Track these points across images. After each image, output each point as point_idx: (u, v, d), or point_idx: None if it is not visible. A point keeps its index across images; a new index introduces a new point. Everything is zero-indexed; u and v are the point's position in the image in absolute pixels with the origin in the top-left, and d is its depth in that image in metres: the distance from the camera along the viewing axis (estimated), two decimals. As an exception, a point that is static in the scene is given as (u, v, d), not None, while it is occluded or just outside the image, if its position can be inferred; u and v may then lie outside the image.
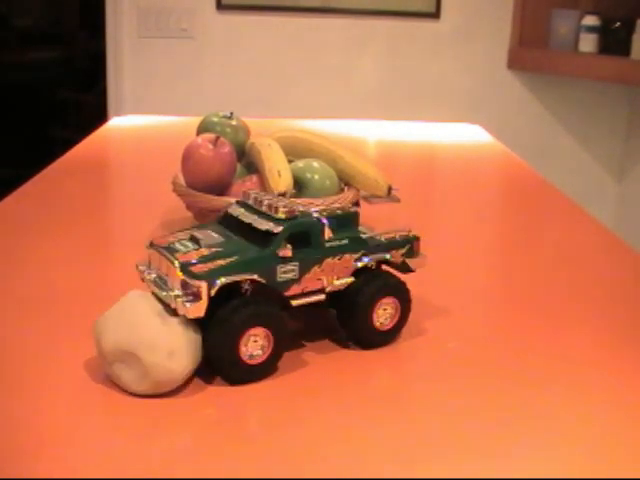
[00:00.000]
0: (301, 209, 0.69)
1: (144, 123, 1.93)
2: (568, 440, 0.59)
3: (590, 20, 2.76)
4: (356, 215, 0.73)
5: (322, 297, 0.69)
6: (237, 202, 0.73)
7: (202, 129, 1.11)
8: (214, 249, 0.66)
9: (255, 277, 0.64)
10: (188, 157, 1.02)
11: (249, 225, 0.68)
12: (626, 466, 0.56)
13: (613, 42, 2.72)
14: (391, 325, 0.73)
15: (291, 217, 0.67)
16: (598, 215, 1.27)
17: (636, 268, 1.00)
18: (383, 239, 0.73)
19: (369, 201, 1.24)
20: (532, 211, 1.26)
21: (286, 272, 0.66)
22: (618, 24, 2.72)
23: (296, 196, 0.99)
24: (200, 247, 0.66)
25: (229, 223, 0.71)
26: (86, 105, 4.25)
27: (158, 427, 0.58)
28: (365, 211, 1.18)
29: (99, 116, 2.84)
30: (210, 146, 1.01)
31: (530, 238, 1.11)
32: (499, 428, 0.60)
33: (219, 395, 0.64)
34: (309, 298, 0.68)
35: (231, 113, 1.13)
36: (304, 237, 0.67)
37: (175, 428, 0.58)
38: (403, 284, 0.73)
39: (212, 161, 1.00)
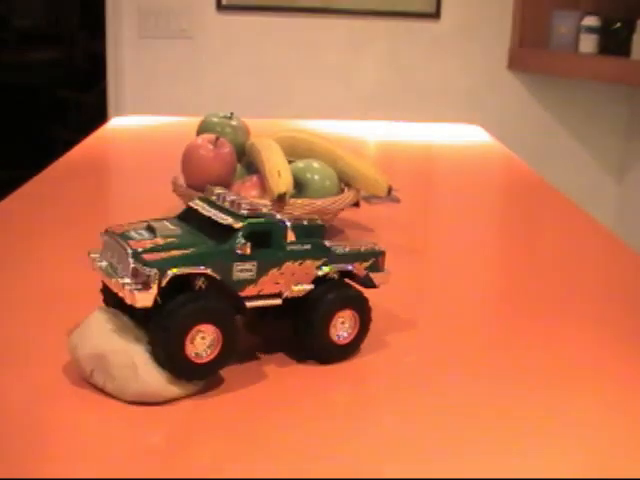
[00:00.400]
0: (265, 210, 0.67)
1: (144, 123, 1.93)
2: (560, 445, 0.59)
3: (590, 21, 2.76)
4: (322, 228, 0.71)
5: (278, 302, 0.66)
6: (199, 198, 0.71)
7: (202, 129, 1.11)
8: (170, 239, 0.63)
9: (209, 272, 0.61)
10: (188, 157, 1.02)
11: (209, 219, 0.66)
12: (625, 466, 0.56)
13: (613, 43, 2.72)
14: (350, 339, 0.69)
15: (253, 215, 0.65)
16: (598, 216, 1.27)
17: (636, 269, 1.00)
18: (347, 250, 0.70)
19: (369, 201, 1.24)
20: (532, 212, 1.26)
21: (243, 271, 0.63)
22: (618, 25, 2.72)
23: (296, 196, 0.99)
24: (156, 236, 0.64)
25: (189, 218, 0.69)
26: (86, 105, 4.25)
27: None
28: (365, 211, 1.18)
29: (99, 116, 2.84)
30: (210, 146, 1.01)
31: (529, 238, 1.11)
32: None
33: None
34: (265, 301, 0.65)
35: (231, 113, 1.13)
36: (265, 238, 0.65)
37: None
38: (363, 296, 0.70)
39: (212, 161, 1.00)
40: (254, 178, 1.03)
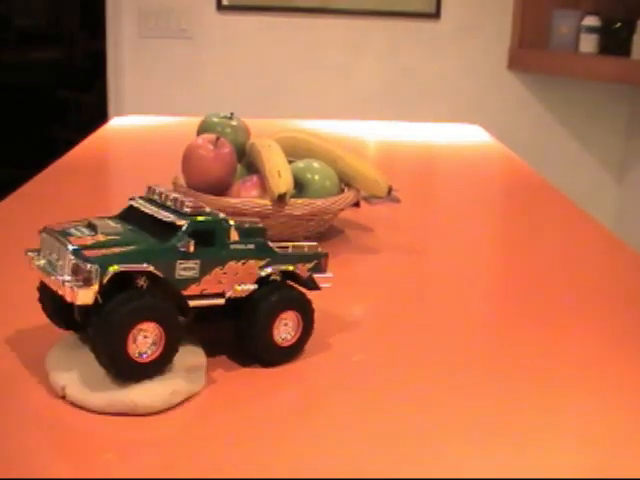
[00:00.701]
0: (208, 209, 0.66)
1: (144, 123, 1.93)
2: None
3: (590, 20, 2.76)
4: (262, 231, 0.69)
5: (221, 301, 0.65)
6: (141, 197, 0.69)
7: (202, 129, 1.11)
8: (111, 237, 0.62)
9: (152, 269, 0.60)
10: (188, 157, 1.02)
11: (151, 217, 0.65)
12: (626, 465, 0.56)
13: (614, 42, 2.72)
14: (293, 341, 0.68)
15: (196, 213, 0.64)
16: (598, 215, 1.27)
17: (636, 269, 1.00)
18: (291, 251, 0.70)
19: (369, 202, 1.24)
20: (532, 212, 1.26)
21: (186, 269, 0.62)
22: (619, 24, 2.72)
23: (296, 197, 0.99)
24: (97, 234, 0.62)
25: (131, 216, 0.67)
26: (86, 105, 4.25)
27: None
28: (365, 212, 1.18)
29: (99, 116, 2.84)
30: (210, 146, 1.01)
31: (529, 238, 1.11)
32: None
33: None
34: (208, 301, 0.64)
35: (231, 113, 1.13)
36: (208, 236, 0.64)
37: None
38: (306, 298, 0.69)
39: (212, 161, 1.00)
40: (254, 178, 1.03)
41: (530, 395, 0.65)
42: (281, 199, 0.95)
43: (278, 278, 0.69)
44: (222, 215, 0.66)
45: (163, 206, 0.66)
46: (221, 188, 1.01)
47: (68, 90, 4.45)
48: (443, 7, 2.91)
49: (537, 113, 3.03)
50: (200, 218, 0.64)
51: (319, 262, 0.71)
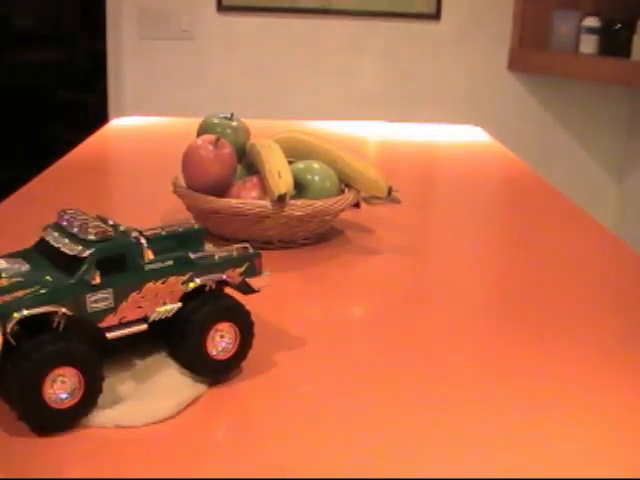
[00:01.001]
0: (123, 228, 0.62)
1: (144, 124, 1.93)
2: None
3: (591, 21, 2.76)
4: (200, 232, 0.67)
5: (144, 327, 0.61)
6: (52, 225, 0.65)
7: (202, 130, 1.11)
8: (15, 279, 0.58)
9: (59, 309, 0.56)
10: (188, 158, 1.02)
11: (58, 250, 0.61)
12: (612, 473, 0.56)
13: (614, 43, 2.72)
14: (230, 354, 0.65)
15: (102, 239, 0.60)
16: (598, 216, 1.27)
17: (637, 269, 1.00)
18: (217, 258, 0.65)
19: (369, 202, 1.24)
20: (532, 212, 1.26)
21: (98, 301, 0.58)
22: (619, 25, 2.72)
23: (296, 197, 0.99)
24: (0, 277, 0.59)
25: (43, 249, 0.63)
26: (87, 106, 4.25)
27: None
28: (365, 212, 1.18)
29: (100, 117, 2.84)
30: (210, 147, 1.01)
31: (530, 239, 1.11)
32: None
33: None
34: (129, 329, 0.60)
35: (231, 114, 1.13)
36: (119, 261, 0.60)
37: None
38: (241, 307, 0.65)
39: (212, 162, 1.00)
40: (254, 179, 1.03)
41: (526, 402, 0.65)
42: (281, 200, 0.95)
43: (212, 286, 0.65)
44: (134, 233, 0.62)
45: (70, 234, 0.62)
46: (221, 189, 1.01)
47: (68, 91, 4.45)
48: (443, 8, 2.91)
49: (537, 114, 3.03)
50: (105, 245, 0.59)
51: (251, 264, 0.67)
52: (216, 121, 1.11)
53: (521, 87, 3.01)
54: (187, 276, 0.63)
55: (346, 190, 1.06)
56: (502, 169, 1.61)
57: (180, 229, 0.67)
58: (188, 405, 0.61)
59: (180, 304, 0.63)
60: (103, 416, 0.59)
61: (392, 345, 0.74)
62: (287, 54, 2.93)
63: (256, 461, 0.55)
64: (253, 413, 0.61)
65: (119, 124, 1.94)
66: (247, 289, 0.68)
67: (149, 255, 0.62)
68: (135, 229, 0.64)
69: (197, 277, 0.64)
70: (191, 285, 0.63)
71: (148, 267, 0.61)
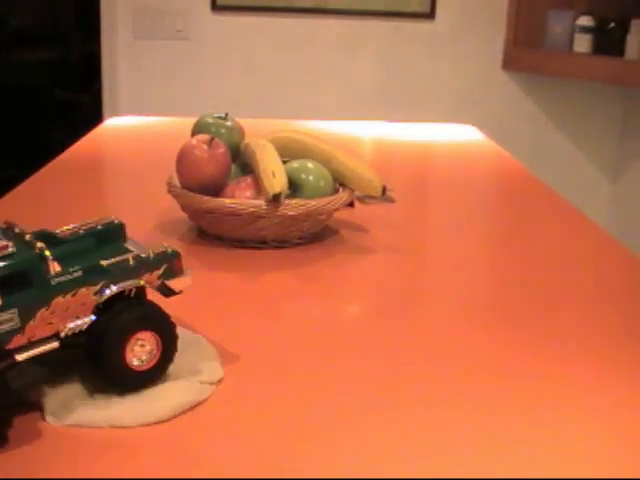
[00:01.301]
0: (28, 238, 0.59)
1: (139, 124, 1.93)
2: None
3: (585, 20, 2.76)
4: (120, 228, 0.64)
5: (56, 345, 0.57)
6: None
7: (197, 130, 1.11)
8: None
9: None
10: (183, 158, 1.02)
11: None
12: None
13: (607, 42, 2.72)
14: (152, 364, 0.61)
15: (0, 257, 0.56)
16: (592, 215, 1.28)
17: (630, 268, 1.00)
18: (132, 262, 0.61)
19: (364, 201, 1.24)
20: (526, 211, 1.26)
21: (2, 323, 0.55)
22: (612, 24, 2.72)
23: (291, 197, 1.00)
24: None
25: None
26: (82, 106, 4.24)
27: None
28: (360, 211, 1.19)
29: (94, 117, 2.83)
30: (205, 147, 1.01)
31: (523, 238, 1.11)
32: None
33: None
34: (39, 348, 0.57)
35: (226, 114, 1.14)
36: (23, 277, 0.56)
37: None
38: (161, 313, 0.62)
39: (207, 162, 1.01)
40: (249, 179, 1.03)
41: (526, 402, 0.66)
42: (275, 199, 0.95)
43: (132, 292, 0.61)
44: (39, 244, 0.58)
45: None
46: (215, 189, 1.02)
47: (64, 91, 4.45)
48: (438, 7, 2.91)
49: (531, 113, 3.04)
50: (4, 263, 0.55)
51: (170, 266, 0.63)
52: (210, 121, 1.12)
53: (515, 86, 3.01)
54: (99, 286, 0.59)
55: (340, 189, 1.06)
56: (496, 168, 1.61)
57: (99, 226, 0.64)
58: (186, 410, 0.61)
59: (93, 317, 0.59)
60: (97, 416, 0.59)
61: (387, 344, 0.75)
62: (282, 54, 2.93)
63: (255, 461, 0.55)
64: (249, 413, 0.62)
65: (114, 124, 1.94)
66: (168, 291, 0.64)
67: (55, 268, 0.58)
68: (45, 232, 0.61)
69: (109, 286, 0.60)
70: (106, 294, 0.59)
71: (55, 281, 0.57)
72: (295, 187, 1.02)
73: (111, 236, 0.65)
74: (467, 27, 2.94)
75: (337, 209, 1.03)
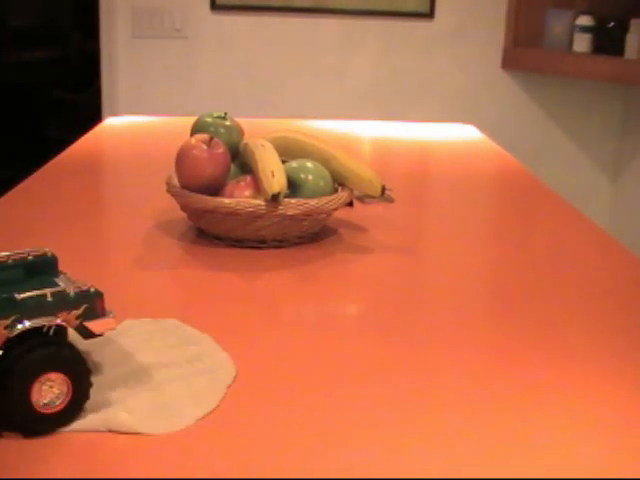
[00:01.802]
0: None
1: (138, 123, 1.93)
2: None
3: (584, 20, 2.77)
4: (52, 261, 0.61)
5: None
6: None
7: (196, 130, 1.11)
8: None
9: None
10: (182, 158, 1.02)
11: None
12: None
13: (607, 42, 2.73)
14: (59, 408, 0.57)
15: None
16: (592, 215, 1.28)
17: (630, 268, 1.00)
18: (50, 298, 0.57)
19: (363, 201, 1.24)
20: (525, 211, 1.26)
21: None
22: (612, 24, 2.73)
23: (290, 196, 0.99)
24: None
25: None
26: (80, 105, 4.24)
27: None
28: (359, 211, 1.18)
29: (93, 116, 2.83)
30: (204, 147, 1.01)
31: (523, 237, 1.11)
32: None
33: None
34: None
35: (225, 114, 1.13)
36: None
37: None
38: (75, 356, 0.57)
39: (206, 162, 1.00)
40: (248, 178, 1.03)
41: (525, 402, 0.66)
42: (274, 199, 0.95)
43: (51, 329, 0.57)
44: None
45: None
46: (214, 188, 1.01)
47: (62, 90, 4.45)
48: (437, 7, 2.91)
49: (531, 112, 3.04)
50: None
51: (90, 306, 0.59)
52: (209, 120, 1.11)
53: (515, 86, 3.01)
54: (10, 320, 0.55)
55: (339, 189, 1.06)
56: (495, 167, 1.61)
57: (30, 257, 0.61)
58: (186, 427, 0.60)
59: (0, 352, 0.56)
60: (96, 419, 0.58)
61: (386, 344, 0.74)
62: (281, 53, 2.93)
63: (255, 461, 0.55)
64: (249, 414, 0.61)
65: (113, 123, 1.94)
66: (86, 333, 0.59)
67: None
68: None
69: (24, 320, 0.56)
70: (17, 330, 0.55)
71: None
72: (294, 187, 1.02)
73: (41, 268, 0.62)
74: (466, 27, 2.94)
75: (336, 209, 1.02)
